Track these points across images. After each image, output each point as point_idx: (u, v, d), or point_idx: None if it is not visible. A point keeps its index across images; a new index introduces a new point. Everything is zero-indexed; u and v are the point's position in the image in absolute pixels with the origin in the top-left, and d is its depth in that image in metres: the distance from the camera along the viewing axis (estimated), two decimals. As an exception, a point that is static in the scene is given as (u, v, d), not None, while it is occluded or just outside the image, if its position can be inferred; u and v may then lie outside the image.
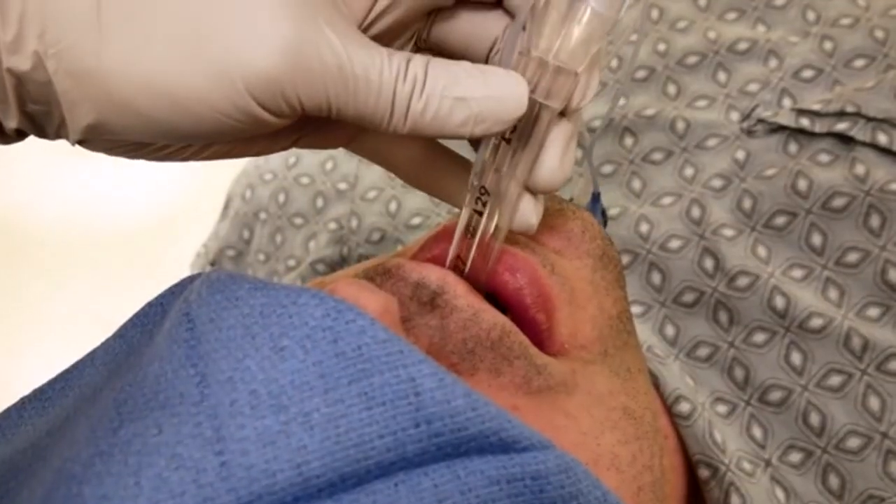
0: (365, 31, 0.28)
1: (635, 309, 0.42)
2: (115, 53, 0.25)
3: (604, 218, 0.39)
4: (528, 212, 0.30)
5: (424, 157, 0.33)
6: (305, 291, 0.24)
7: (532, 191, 0.30)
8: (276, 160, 0.55)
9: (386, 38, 0.29)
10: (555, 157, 0.30)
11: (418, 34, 0.31)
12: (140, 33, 0.25)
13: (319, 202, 0.52)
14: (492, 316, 0.30)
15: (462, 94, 0.27)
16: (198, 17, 0.25)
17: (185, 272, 0.58)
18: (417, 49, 0.32)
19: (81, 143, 0.28)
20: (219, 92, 0.25)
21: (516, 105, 0.27)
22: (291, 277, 0.52)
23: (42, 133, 0.28)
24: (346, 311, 0.23)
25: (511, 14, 0.30)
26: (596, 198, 0.38)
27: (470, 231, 0.31)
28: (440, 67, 0.27)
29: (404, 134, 0.27)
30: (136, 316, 0.28)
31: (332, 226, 0.51)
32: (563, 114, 0.29)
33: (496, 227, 0.30)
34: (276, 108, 0.26)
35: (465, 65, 0.28)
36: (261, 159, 0.56)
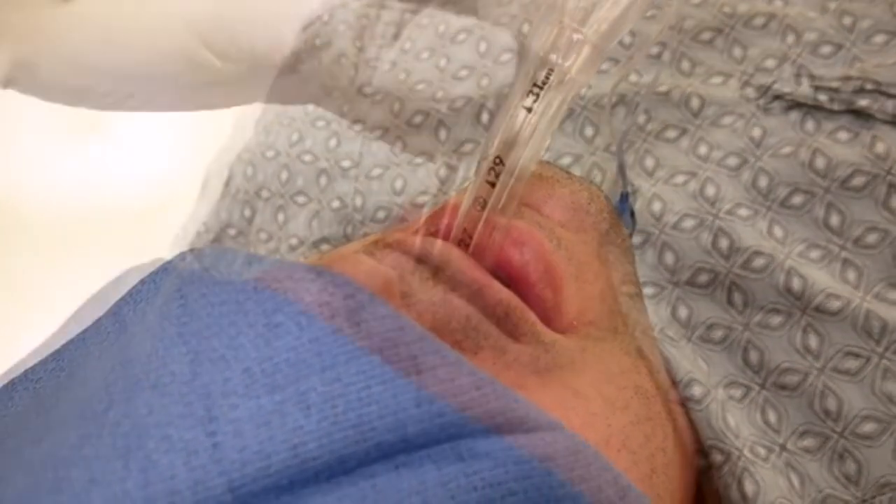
0: None
1: (647, 290, 0.41)
2: None
3: (632, 219, 0.37)
4: None
5: None
6: (301, 266, 0.23)
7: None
8: (278, 137, 0.54)
9: None
10: None
11: None
12: None
13: (323, 180, 0.51)
14: (497, 291, 0.28)
15: None
16: None
17: (186, 252, 0.57)
18: None
19: None
20: None
21: None
22: (294, 257, 0.51)
23: None
24: (343, 285, 0.22)
25: None
26: (624, 198, 0.37)
27: (479, 203, 0.29)
28: None
29: None
30: (129, 293, 0.27)
31: (336, 204, 0.50)
32: None
33: (507, 198, 0.29)
34: None
35: None
36: (262, 136, 0.55)
